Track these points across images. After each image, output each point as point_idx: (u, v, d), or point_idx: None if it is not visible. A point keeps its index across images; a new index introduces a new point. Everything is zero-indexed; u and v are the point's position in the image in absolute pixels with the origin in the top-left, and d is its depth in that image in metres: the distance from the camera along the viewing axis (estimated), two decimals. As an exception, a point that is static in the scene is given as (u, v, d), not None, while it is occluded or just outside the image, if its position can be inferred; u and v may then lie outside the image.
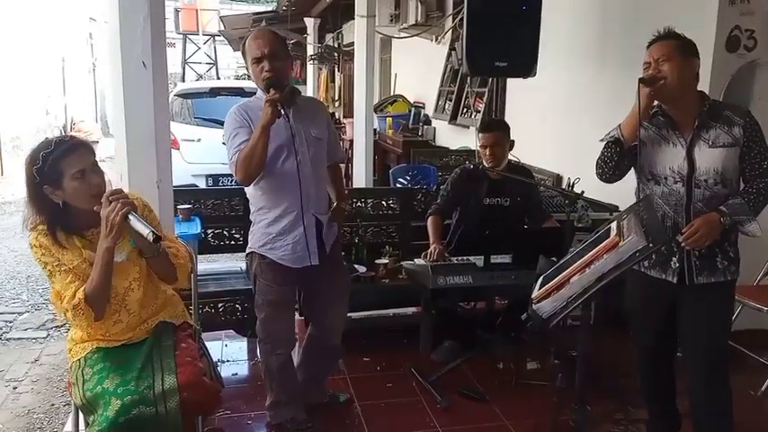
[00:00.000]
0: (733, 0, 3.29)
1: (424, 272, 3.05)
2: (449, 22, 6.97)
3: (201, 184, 6.98)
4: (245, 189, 2.61)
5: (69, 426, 2.44)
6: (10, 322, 4.48)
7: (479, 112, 6.28)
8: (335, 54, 12.83)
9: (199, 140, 7.20)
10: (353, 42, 6.68)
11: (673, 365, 2.43)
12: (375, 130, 7.29)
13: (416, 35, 7.31)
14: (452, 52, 7.03)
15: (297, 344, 2.84)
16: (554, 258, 2.38)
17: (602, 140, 2.29)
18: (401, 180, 5.63)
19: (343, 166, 3.60)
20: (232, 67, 29.01)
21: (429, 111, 8.02)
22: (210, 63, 24.19)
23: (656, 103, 2.21)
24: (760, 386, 3.17)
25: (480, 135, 3.38)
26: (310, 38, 13.65)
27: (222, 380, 2.75)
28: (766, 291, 3.25)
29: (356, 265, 3.52)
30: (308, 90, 15.15)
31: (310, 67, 15.57)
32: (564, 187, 4.17)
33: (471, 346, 3.40)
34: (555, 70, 4.74)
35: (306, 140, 2.52)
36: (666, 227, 2.18)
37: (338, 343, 2.85)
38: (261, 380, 3.19)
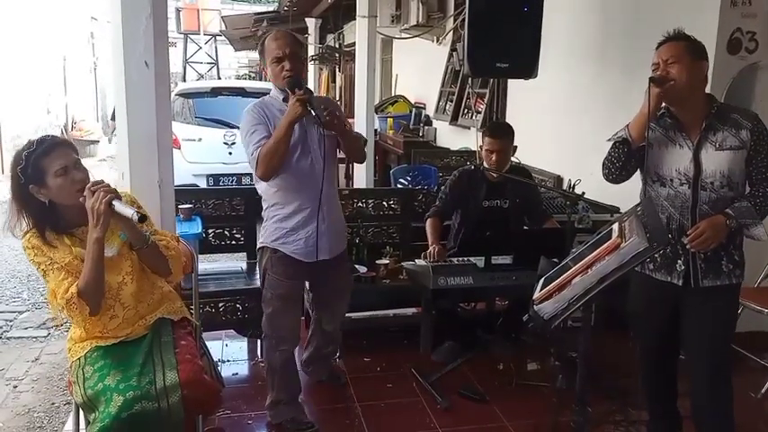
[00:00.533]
0: (734, 2, 3.29)
1: (424, 272, 3.05)
2: (450, 23, 6.98)
3: (202, 184, 6.97)
4: (257, 186, 2.68)
5: (70, 425, 2.44)
6: (10, 321, 4.49)
7: (480, 112, 6.28)
8: (336, 54, 12.84)
9: (200, 140, 7.19)
10: (354, 43, 6.68)
11: (674, 367, 2.43)
12: (376, 130, 7.29)
13: (418, 36, 7.31)
14: (453, 53, 7.03)
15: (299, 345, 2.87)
16: (555, 259, 2.38)
17: (609, 140, 2.29)
18: (402, 181, 5.63)
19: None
20: (233, 66, 29.04)
21: (430, 111, 8.03)
22: (212, 63, 24.19)
23: (663, 104, 2.20)
24: (760, 388, 3.16)
25: (487, 139, 3.33)
26: (311, 38, 13.64)
27: (222, 379, 2.76)
28: (767, 293, 3.25)
29: (357, 266, 3.52)
30: (309, 90, 15.11)
31: (311, 68, 15.58)
32: (565, 188, 4.18)
33: (472, 347, 3.40)
34: (556, 71, 4.74)
35: (319, 139, 2.58)
36: (671, 229, 2.18)
37: (338, 327, 2.99)
38: (261, 380, 3.20)
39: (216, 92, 8.09)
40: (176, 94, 7.47)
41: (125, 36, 2.42)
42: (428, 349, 3.38)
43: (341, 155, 2.81)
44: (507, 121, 4.64)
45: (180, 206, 3.32)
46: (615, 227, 1.94)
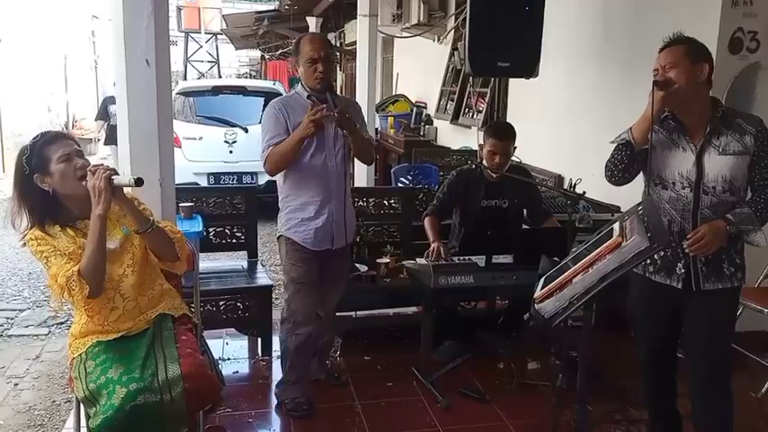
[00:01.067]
0: (736, 2, 3.29)
1: (425, 271, 3.05)
2: (451, 22, 6.98)
3: (203, 183, 6.99)
4: (276, 177, 2.84)
5: (71, 422, 2.44)
6: (11, 319, 4.49)
7: (481, 112, 6.29)
8: (337, 53, 12.83)
9: (200, 139, 7.20)
10: (355, 42, 6.68)
11: (674, 367, 2.43)
12: (377, 129, 7.30)
13: (419, 35, 7.32)
14: (454, 52, 7.03)
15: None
16: (556, 258, 2.38)
17: (612, 142, 2.29)
18: (403, 180, 5.63)
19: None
20: (234, 65, 29.04)
21: (431, 110, 8.03)
22: (212, 61, 24.19)
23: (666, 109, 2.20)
24: (760, 388, 3.17)
25: (491, 141, 3.29)
26: (312, 37, 13.61)
27: (223, 378, 2.76)
28: (767, 293, 3.25)
29: (357, 265, 3.52)
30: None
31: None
32: (566, 188, 4.18)
33: (472, 346, 3.40)
34: (557, 70, 4.74)
35: (334, 136, 2.75)
36: (672, 231, 2.18)
37: (332, 315, 3.13)
38: (262, 378, 3.22)
39: (217, 90, 8.12)
40: (177, 93, 7.48)
41: (126, 34, 2.43)
42: (429, 348, 3.38)
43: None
44: (508, 119, 4.64)
45: (181, 205, 3.32)
46: (616, 226, 1.94)
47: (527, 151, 3.98)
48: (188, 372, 1.98)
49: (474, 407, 2.99)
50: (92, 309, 2.08)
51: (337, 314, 3.28)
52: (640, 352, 2.43)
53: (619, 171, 2.26)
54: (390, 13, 7.43)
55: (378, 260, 3.54)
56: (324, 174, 2.74)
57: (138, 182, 2.04)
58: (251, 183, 7.02)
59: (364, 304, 3.54)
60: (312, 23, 13.14)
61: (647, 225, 1.93)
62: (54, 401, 3.30)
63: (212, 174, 7.12)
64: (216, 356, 3.09)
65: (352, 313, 3.59)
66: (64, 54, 14.31)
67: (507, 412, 2.92)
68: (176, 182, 2.77)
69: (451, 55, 7.26)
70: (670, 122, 2.23)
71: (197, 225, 3.37)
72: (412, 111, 8.27)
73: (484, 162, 3.35)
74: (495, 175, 3.33)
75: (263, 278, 3.55)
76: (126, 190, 2.22)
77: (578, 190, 3.07)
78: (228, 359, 3.44)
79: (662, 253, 2.18)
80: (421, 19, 7.06)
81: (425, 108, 8.20)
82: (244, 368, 3.39)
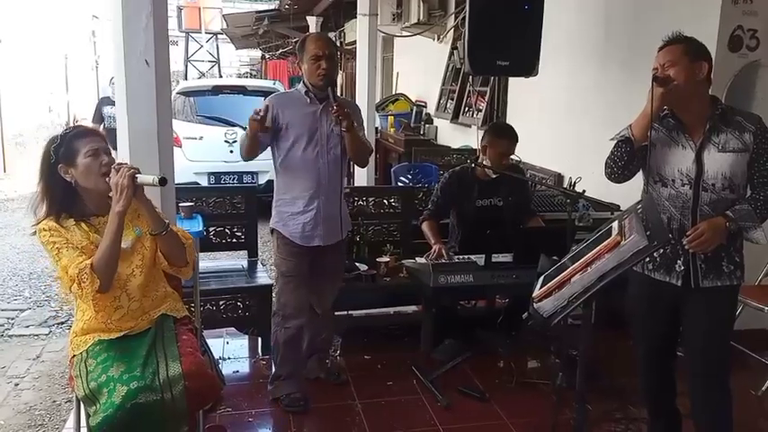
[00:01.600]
0: (736, 0, 3.29)
1: (425, 270, 3.06)
2: (451, 21, 6.98)
3: (203, 182, 6.99)
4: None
5: (71, 422, 2.44)
6: (12, 319, 4.50)
7: (481, 110, 6.29)
8: (337, 53, 12.81)
9: (201, 138, 7.20)
10: (355, 41, 6.68)
11: (674, 365, 2.43)
12: (377, 128, 7.29)
13: (418, 34, 7.31)
14: (454, 51, 7.03)
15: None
16: (555, 257, 2.38)
17: (612, 139, 2.29)
18: (402, 179, 5.63)
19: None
20: (234, 65, 29.04)
21: (431, 109, 8.03)
22: (213, 61, 24.20)
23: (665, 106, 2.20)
24: (760, 386, 3.17)
25: (502, 142, 3.31)
26: (312, 37, 13.61)
27: (223, 377, 2.77)
28: (767, 291, 3.25)
29: (357, 264, 3.52)
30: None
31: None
32: (565, 186, 4.18)
33: (472, 345, 3.41)
34: (556, 69, 4.74)
35: (329, 134, 2.76)
36: (671, 229, 2.18)
37: (329, 312, 3.11)
38: (262, 377, 3.21)
39: (217, 90, 8.12)
40: (177, 93, 7.48)
41: (126, 34, 2.43)
42: (428, 347, 3.38)
43: None
44: (508, 118, 4.66)
45: (181, 204, 3.32)
46: (615, 224, 1.94)
47: (527, 150, 3.97)
48: (189, 370, 1.99)
49: (474, 406, 2.99)
50: (98, 305, 2.08)
51: (336, 313, 3.29)
52: (640, 350, 2.43)
53: (618, 168, 2.26)
54: (390, 12, 7.43)
55: (377, 259, 3.54)
56: (314, 169, 2.75)
57: (162, 181, 2.05)
58: (251, 182, 7.03)
59: (364, 303, 3.55)
60: (312, 23, 13.14)
61: (647, 223, 1.94)
62: (54, 401, 3.30)
63: (213, 173, 7.12)
64: (216, 356, 3.10)
65: (350, 312, 3.58)
66: (64, 54, 14.32)
67: (507, 411, 2.93)
68: (177, 181, 2.78)
69: (451, 54, 7.25)
70: (669, 120, 2.23)
71: (197, 225, 3.37)
72: (412, 110, 8.27)
73: (485, 162, 3.36)
74: (493, 175, 3.33)
75: (263, 278, 3.55)
76: None
77: (578, 188, 3.06)
78: (228, 358, 3.45)
79: (661, 250, 2.17)
80: (421, 18, 7.06)
81: (425, 107, 8.20)
82: (244, 367, 3.40)
